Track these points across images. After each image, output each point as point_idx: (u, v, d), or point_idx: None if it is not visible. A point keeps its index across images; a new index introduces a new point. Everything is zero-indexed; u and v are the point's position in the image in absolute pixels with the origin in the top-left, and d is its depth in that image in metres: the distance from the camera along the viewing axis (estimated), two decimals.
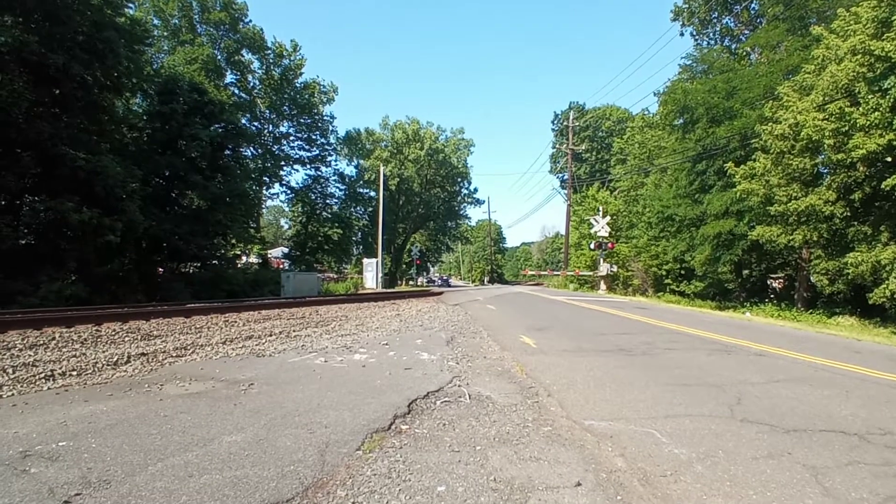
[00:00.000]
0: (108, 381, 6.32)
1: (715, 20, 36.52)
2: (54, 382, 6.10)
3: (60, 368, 6.64)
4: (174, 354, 8.01)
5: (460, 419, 5.03)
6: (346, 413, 5.03)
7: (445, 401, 5.70)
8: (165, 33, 38.43)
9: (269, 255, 46.83)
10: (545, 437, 4.55)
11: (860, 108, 13.90)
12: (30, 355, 7.36)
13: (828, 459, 4.10)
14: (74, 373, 6.55)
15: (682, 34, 39.19)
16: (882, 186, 13.20)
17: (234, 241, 30.68)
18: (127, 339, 9.35)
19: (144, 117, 25.83)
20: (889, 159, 13.66)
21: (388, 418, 4.92)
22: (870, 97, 13.60)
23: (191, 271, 26.43)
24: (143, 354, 7.78)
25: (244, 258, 38.89)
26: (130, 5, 24.48)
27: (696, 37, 38.06)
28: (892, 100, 12.97)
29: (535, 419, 5.10)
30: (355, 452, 4.03)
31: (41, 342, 8.37)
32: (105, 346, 8.55)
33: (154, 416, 4.77)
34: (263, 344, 9.41)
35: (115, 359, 7.33)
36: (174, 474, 3.48)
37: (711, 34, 37.36)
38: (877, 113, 13.32)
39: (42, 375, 6.26)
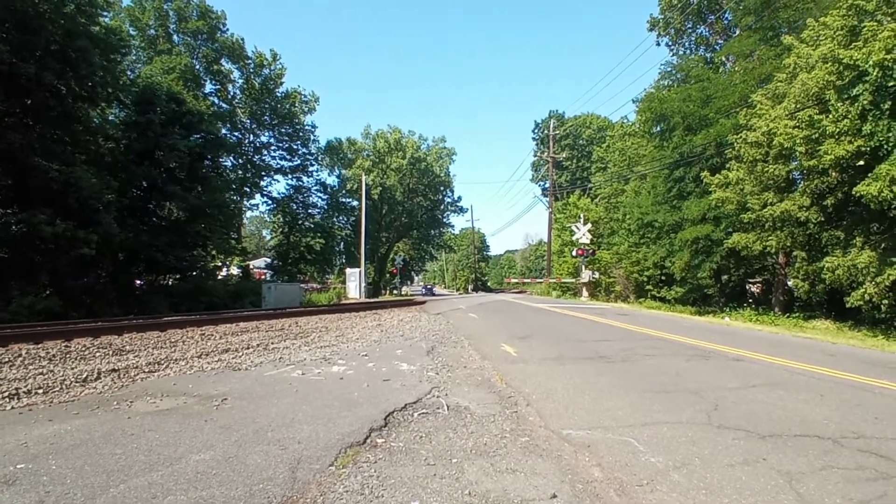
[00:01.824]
0: (76, 398, 6.13)
1: (690, 30, 37.19)
2: (18, 401, 5.89)
3: (26, 387, 6.42)
4: (147, 370, 7.81)
5: (437, 431, 4.96)
6: (320, 427, 4.93)
7: (423, 412, 5.63)
8: (142, 43, 37.96)
9: (251, 266, 46.21)
10: (522, 448, 4.50)
11: (830, 116, 14.19)
12: None
13: (802, 465, 4.11)
14: (41, 391, 6.34)
15: (658, 44, 39.81)
16: (853, 192, 13.46)
17: (214, 252, 30.21)
18: (98, 354, 9.10)
19: (121, 127, 25.34)
20: (857, 165, 13.95)
21: (364, 432, 4.83)
22: (839, 105, 13.90)
23: (170, 283, 25.89)
24: (114, 370, 7.57)
25: (225, 270, 38.31)
26: (105, 14, 24.12)
27: (672, 46, 38.72)
28: (860, 107, 13.27)
29: (513, 430, 5.06)
30: (328, 468, 3.95)
31: (6, 359, 8.09)
32: (74, 362, 8.31)
33: (120, 435, 4.62)
34: (240, 357, 9.24)
35: (84, 375, 7.12)
36: (137, 496, 3.36)
37: (687, 44, 38.02)
38: (846, 120, 13.61)
39: (6, 394, 6.04)
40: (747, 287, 26.50)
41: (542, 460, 4.22)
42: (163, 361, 8.49)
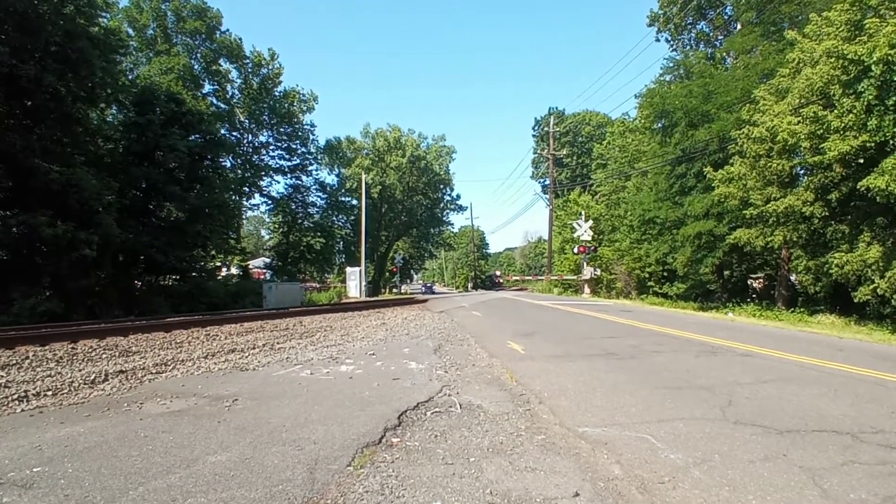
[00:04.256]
0: (86, 400, 6.09)
1: (690, 25, 37.14)
2: (28, 404, 5.85)
3: (35, 389, 6.38)
4: (154, 371, 7.77)
5: (452, 430, 4.92)
6: (334, 427, 4.90)
7: (436, 411, 5.59)
8: (140, 44, 37.78)
9: (251, 266, 46.07)
10: (539, 446, 4.47)
11: (835, 111, 14.15)
12: (1, 376, 7.06)
13: (823, 460, 4.08)
14: (49, 393, 6.30)
15: (658, 40, 39.80)
16: (858, 186, 13.42)
17: (213, 252, 30.13)
18: (104, 356, 9.06)
19: (120, 128, 25.23)
20: (862, 161, 13.92)
21: (379, 431, 4.80)
22: (844, 100, 13.85)
23: (170, 284, 25.81)
24: (121, 372, 7.53)
25: (225, 270, 38.22)
26: (104, 15, 24.01)
27: (672, 42, 38.67)
28: (865, 102, 13.23)
29: (528, 427, 5.03)
30: (346, 469, 3.91)
31: (14, 362, 8.05)
32: (81, 364, 8.27)
33: (134, 437, 4.59)
34: (247, 357, 9.20)
35: (92, 377, 7.07)
36: (157, 498, 3.32)
37: (687, 39, 37.98)
38: (851, 115, 13.56)
39: (15, 397, 6.00)
40: (749, 282, 26.48)
41: (561, 458, 4.18)
42: (169, 362, 8.45)
